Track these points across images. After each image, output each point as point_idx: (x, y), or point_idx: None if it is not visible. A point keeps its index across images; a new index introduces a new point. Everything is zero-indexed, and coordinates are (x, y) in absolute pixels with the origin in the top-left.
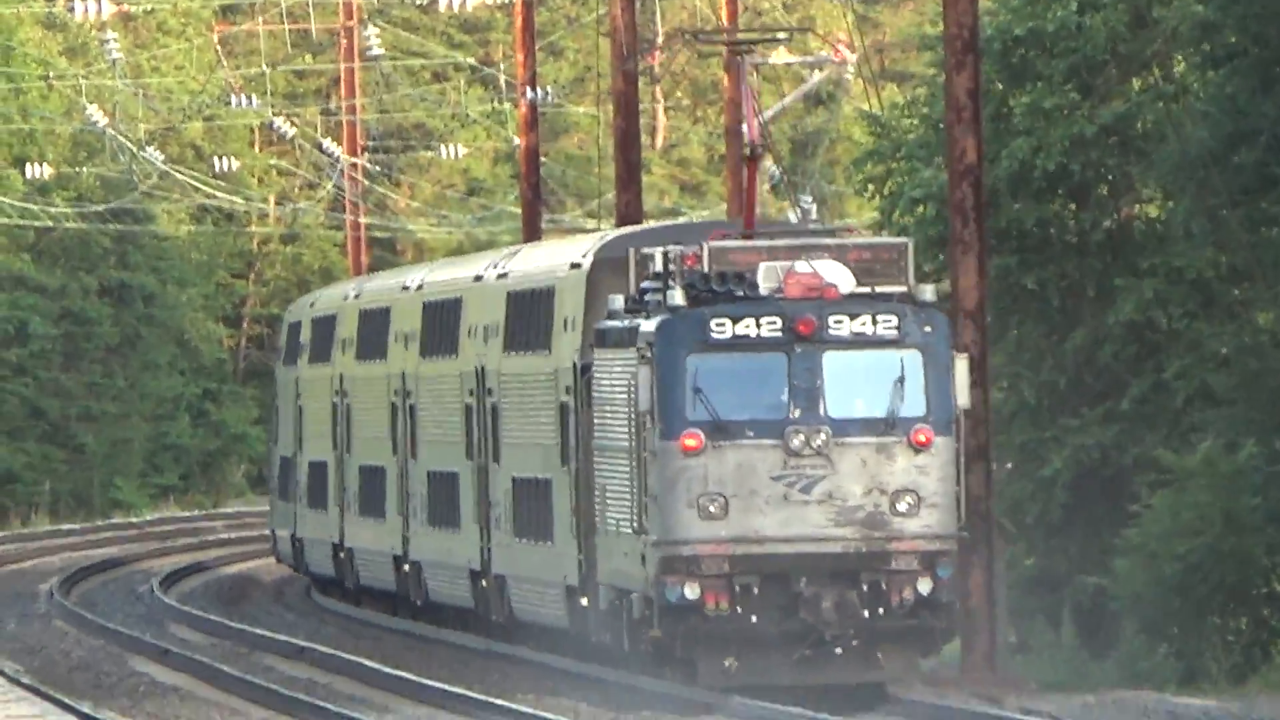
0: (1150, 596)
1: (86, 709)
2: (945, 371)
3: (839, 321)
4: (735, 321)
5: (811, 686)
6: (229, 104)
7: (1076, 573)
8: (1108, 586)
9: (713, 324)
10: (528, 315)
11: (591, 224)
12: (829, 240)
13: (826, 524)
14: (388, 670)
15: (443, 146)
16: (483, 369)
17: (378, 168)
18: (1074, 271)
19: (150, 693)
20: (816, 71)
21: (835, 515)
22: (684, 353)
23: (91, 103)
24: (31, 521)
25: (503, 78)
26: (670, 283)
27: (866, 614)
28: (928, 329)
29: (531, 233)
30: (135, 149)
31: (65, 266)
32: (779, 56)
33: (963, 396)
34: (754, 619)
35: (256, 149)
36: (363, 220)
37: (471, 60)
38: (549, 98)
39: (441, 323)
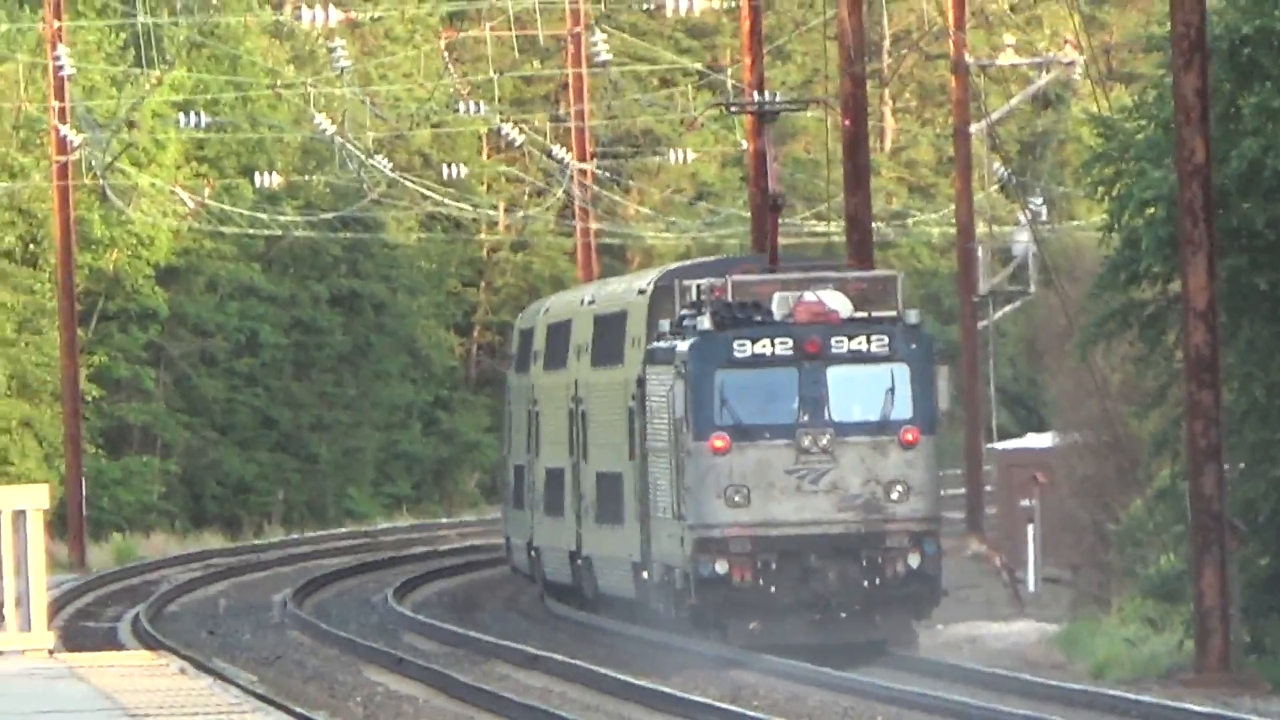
0: None
1: (321, 719)
2: (929, 381)
3: (840, 341)
4: (754, 342)
5: (822, 645)
6: (457, 110)
7: None
8: None
9: (735, 345)
10: (608, 335)
11: (821, 227)
12: (832, 274)
13: (832, 510)
14: (622, 677)
15: (671, 151)
16: (576, 381)
17: (607, 173)
18: None
19: (384, 702)
20: (1044, 73)
21: (839, 502)
22: (711, 369)
23: (320, 111)
24: (265, 532)
25: (730, 82)
26: (701, 310)
27: (866, 584)
28: (913, 346)
29: (760, 237)
30: (364, 157)
31: (295, 275)
32: (1005, 58)
33: (943, 401)
34: (773, 589)
35: (485, 156)
36: (592, 227)
37: (699, 65)
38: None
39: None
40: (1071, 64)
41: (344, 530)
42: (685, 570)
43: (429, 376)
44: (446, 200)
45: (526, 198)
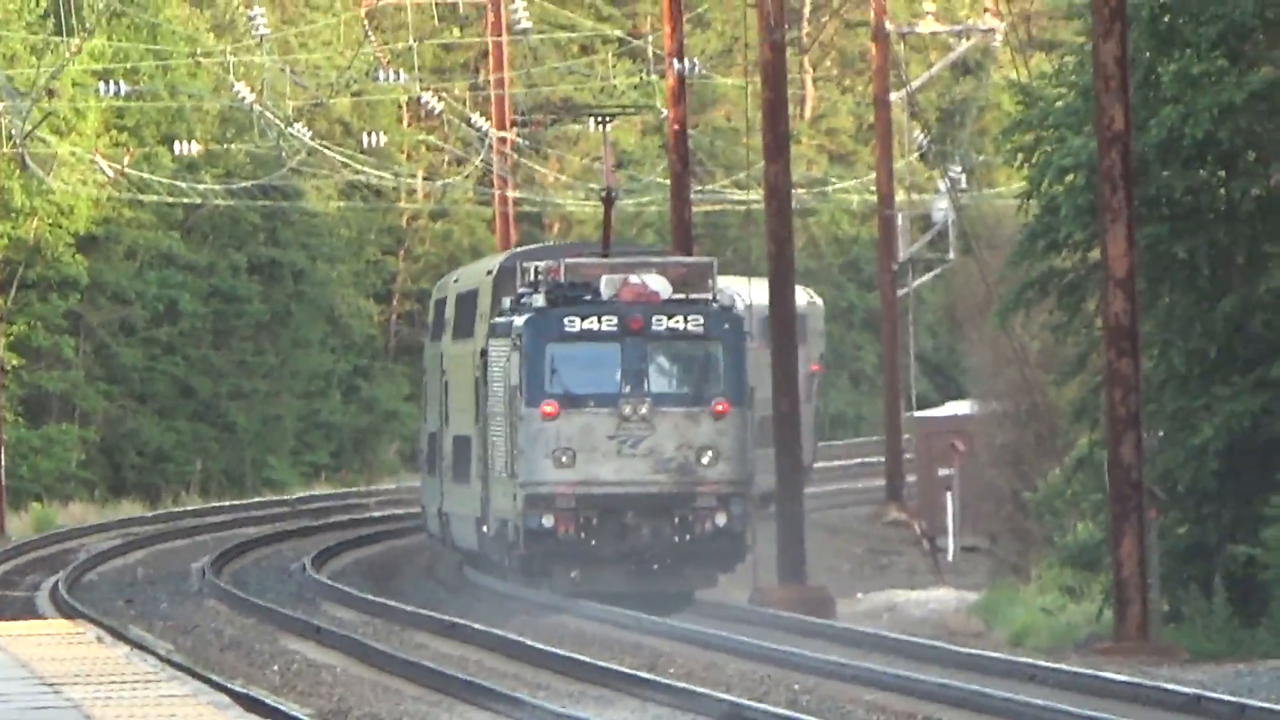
0: None
1: (238, 687)
2: (739, 358)
3: (660, 320)
4: (582, 319)
5: (636, 594)
6: (376, 79)
7: (1228, 541)
8: (1259, 555)
9: (565, 321)
10: (465, 310)
11: (740, 195)
12: (655, 259)
13: (648, 472)
14: (539, 646)
15: (590, 119)
16: (442, 354)
17: (525, 142)
18: (1224, 239)
19: (302, 671)
20: (964, 40)
21: (655, 465)
22: (543, 342)
23: (239, 79)
24: (183, 500)
25: (650, 49)
26: (537, 290)
27: (677, 540)
28: (726, 326)
29: (680, 205)
30: (283, 125)
31: (214, 244)
32: (926, 25)
33: (752, 377)
34: (594, 542)
35: (404, 124)
36: (511, 195)
37: (619, 32)
38: (696, 69)
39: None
40: (991, 31)
41: (262, 499)
42: (516, 524)
43: (348, 345)
44: (366, 169)
45: (446, 166)
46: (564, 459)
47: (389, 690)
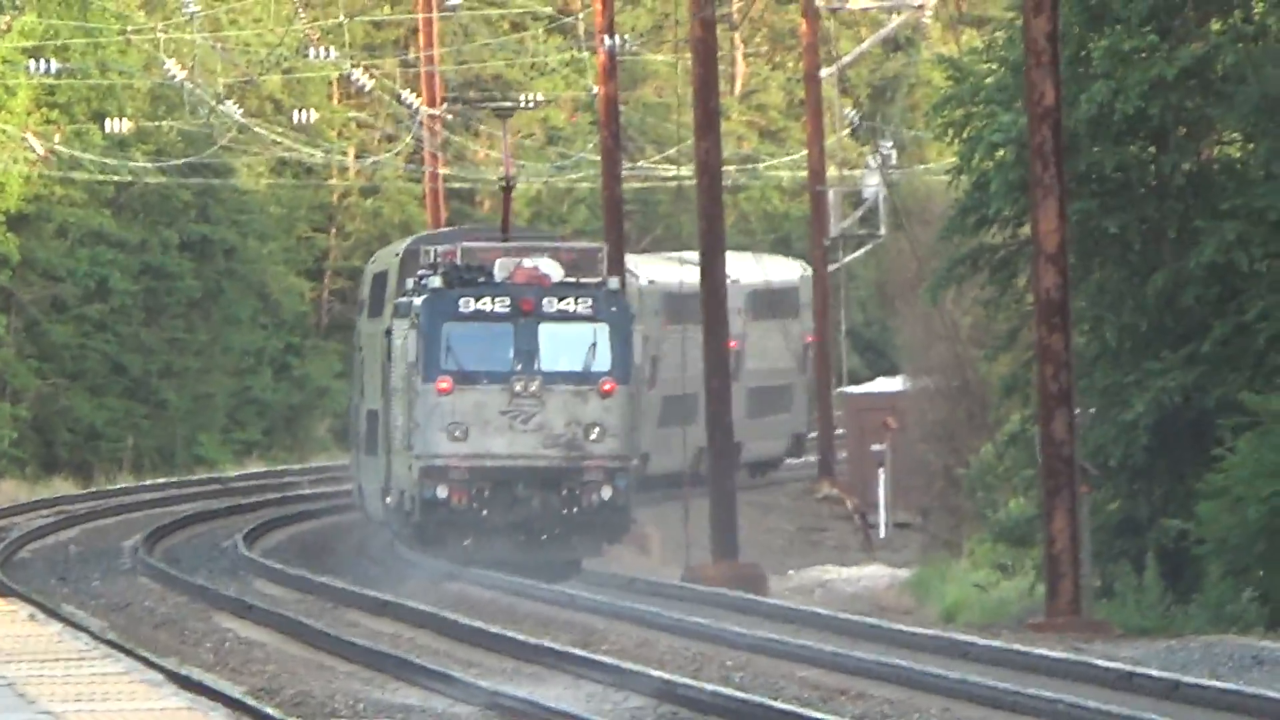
0: (1235, 540)
1: (171, 665)
2: (627, 339)
3: (550, 302)
4: (477, 300)
5: (525, 562)
6: (307, 56)
7: (1160, 517)
8: (1192, 530)
9: (460, 302)
10: (377, 290)
11: (671, 171)
12: (547, 244)
13: (538, 446)
14: (471, 623)
15: (521, 96)
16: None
17: (456, 119)
18: (1154, 214)
19: (235, 648)
20: (895, 16)
21: (544, 440)
22: (440, 321)
23: (169, 57)
24: (116, 478)
25: (581, 26)
26: (436, 272)
27: (565, 511)
28: (614, 309)
29: (611, 181)
30: (214, 103)
31: (145, 221)
32: (857, 2)
33: (638, 358)
34: (485, 513)
35: (335, 101)
36: (441, 172)
37: (549, 9)
38: (627, 46)
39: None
40: (922, 7)
41: (195, 477)
42: (413, 494)
43: (280, 322)
44: (297, 146)
45: (377, 143)
46: (458, 433)
47: (322, 668)
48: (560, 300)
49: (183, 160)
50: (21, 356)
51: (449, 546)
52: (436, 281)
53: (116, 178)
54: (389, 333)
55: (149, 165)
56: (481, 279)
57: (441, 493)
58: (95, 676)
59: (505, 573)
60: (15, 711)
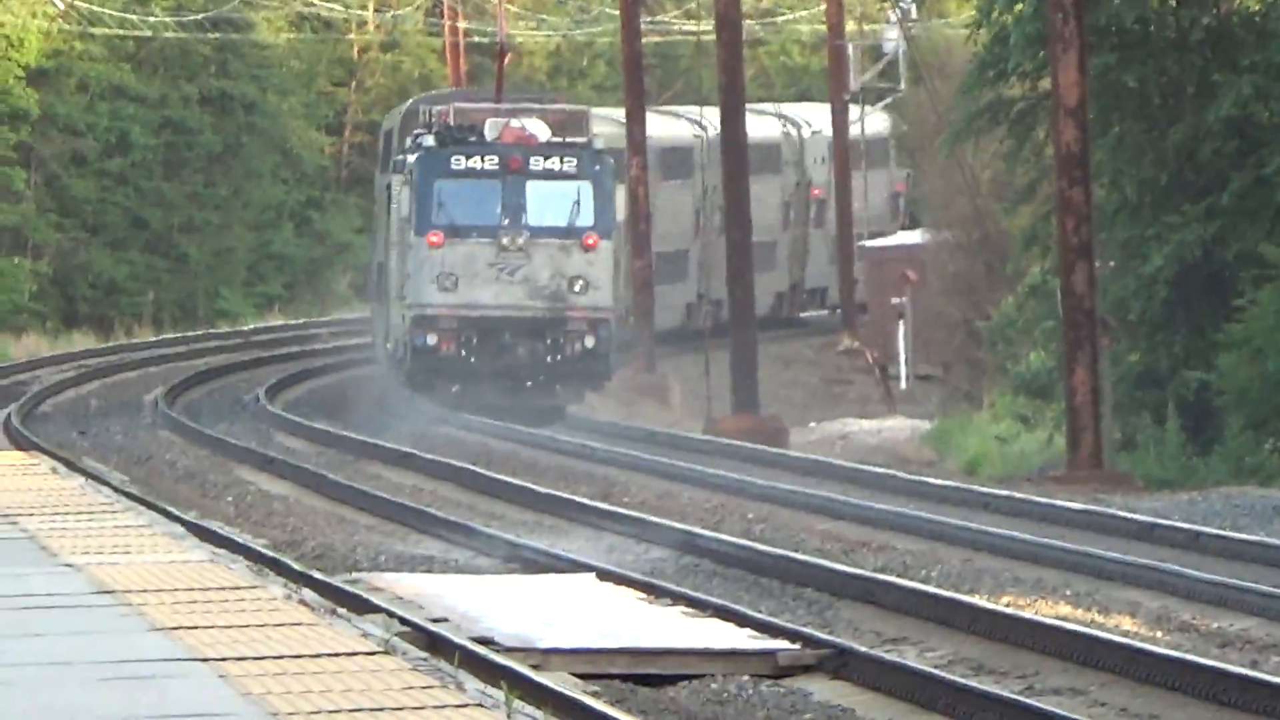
0: (1255, 392)
1: (192, 518)
2: (609, 197)
3: (537, 161)
4: (467, 158)
5: (511, 407)
6: None
7: (1181, 369)
8: (1212, 382)
9: (452, 160)
10: (387, 147)
11: (690, 26)
12: (535, 106)
13: (524, 298)
14: (491, 474)
15: None
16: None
17: None
18: (1174, 68)
19: (256, 502)
20: None
21: (530, 291)
22: (432, 178)
23: None
24: (136, 332)
25: None
26: (430, 131)
27: (549, 359)
28: (597, 168)
29: (630, 35)
30: None
31: (165, 76)
32: None
33: (620, 215)
34: (473, 360)
35: None
36: (461, 26)
37: None
38: None
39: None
40: None
41: (215, 330)
42: (405, 341)
43: (300, 177)
44: (316, 0)
45: None
46: (447, 284)
47: (343, 520)
48: (546, 159)
49: (202, 15)
50: (42, 211)
51: (438, 391)
52: (430, 140)
53: (136, 32)
54: (389, 188)
55: (169, 20)
56: (472, 138)
57: (431, 340)
58: (117, 529)
59: (491, 417)
60: (37, 564)
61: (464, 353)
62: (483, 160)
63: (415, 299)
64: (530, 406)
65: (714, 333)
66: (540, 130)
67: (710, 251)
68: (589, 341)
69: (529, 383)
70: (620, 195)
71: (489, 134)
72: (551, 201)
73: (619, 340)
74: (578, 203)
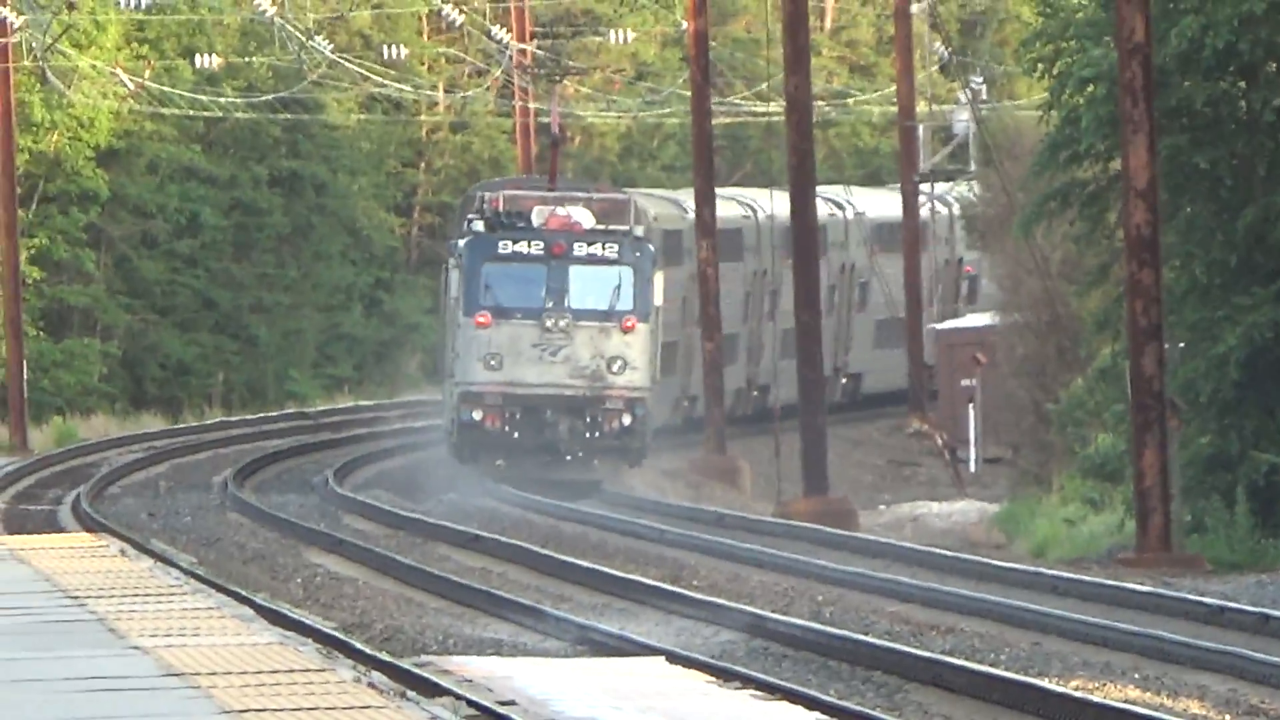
0: None
1: (262, 600)
2: (648, 282)
3: (580, 246)
4: (514, 243)
5: (551, 481)
6: None
7: (1250, 451)
8: None
9: (499, 244)
10: (454, 231)
11: (760, 107)
12: (580, 194)
13: (566, 376)
14: (561, 557)
15: (611, 31)
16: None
17: (546, 54)
18: (1244, 150)
19: (325, 583)
20: None
21: (571, 371)
22: (480, 262)
23: None
24: (205, 414)
25: None
26: (480, 216)
27: (588, 435)
28: (638, 254)
29: (700, 117)
30: (304, 38)
31: (235, 157)
32: None
33: (658, 299)
34: (516, 435)
35: (425, 36)
36: (532, 107)
37: None
38: None
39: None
40: None
41: (285, 412)
42: (453, 417)
43: (369, 258)
44: (386, 81)
45: (466, 78)
46: (493, 363)
47: (412, 603)
48: (589, 245)
49: (273, 96)
50: (111, 292)
51: (482, 464)
52: (479, 225)
53: (207, 113)
54: (446, 270)
55: (239, 101)
56: (520, 224)
57: (477, 415)
58: (185, 612)
59: (532, 491)
60: (105, 647)
61: (508, 428)
62: (529, 245)
63: (463, 377)
64: (569, 480)
65: (782, 414)
66: (585, 218)
67: (757, 336)
68: (626, 419)
69: (568, 457)
70: (658, 280)
71: (536, 220)
72: (593, 285)
73: (656, 420)
74: (618, 287)
